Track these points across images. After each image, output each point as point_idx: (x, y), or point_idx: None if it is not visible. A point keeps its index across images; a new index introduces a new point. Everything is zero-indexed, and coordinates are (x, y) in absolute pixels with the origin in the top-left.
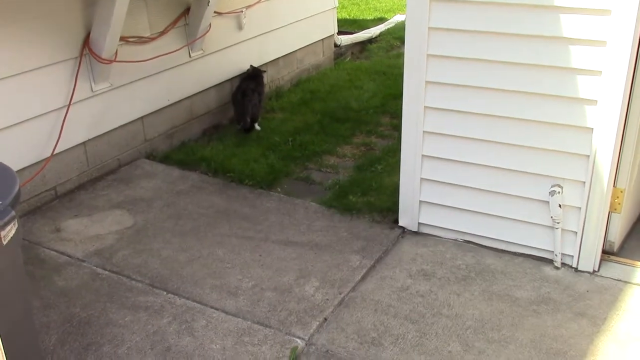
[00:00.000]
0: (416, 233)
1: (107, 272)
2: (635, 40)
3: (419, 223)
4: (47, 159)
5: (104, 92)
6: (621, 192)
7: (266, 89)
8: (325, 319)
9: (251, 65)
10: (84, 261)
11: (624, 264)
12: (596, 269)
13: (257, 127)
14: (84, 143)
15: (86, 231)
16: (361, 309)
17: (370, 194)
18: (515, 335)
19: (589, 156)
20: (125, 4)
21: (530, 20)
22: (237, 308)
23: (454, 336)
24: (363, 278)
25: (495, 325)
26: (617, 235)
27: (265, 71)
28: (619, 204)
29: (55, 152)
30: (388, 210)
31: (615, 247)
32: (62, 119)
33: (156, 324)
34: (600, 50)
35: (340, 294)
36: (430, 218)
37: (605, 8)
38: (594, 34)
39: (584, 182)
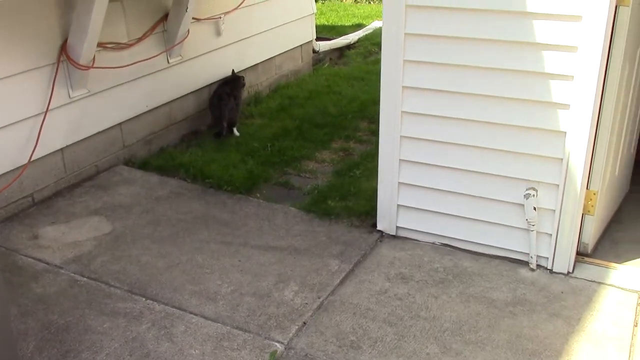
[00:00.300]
0: (394, 237)
1: (85, 278)
2: (605, 46)
3: (397, 227)
4: (24, 166)
5: (81, 99)
6: (594, 194)
7: (245, 95)
8: (305, 323)
9: (233, 70)
10: (61, 268)
11: (598, 265)
12: (571, 271)
13: (235, 132)
14: (61, 149)
15: (64, 238)
16: (340, 312)
17: (348, 198)
18: (492, 337)
19: (562, 159)
20: (102, 10)
21: (504, 26)
22: (216, 313)
23: (431, 338)
24: (342, 282)
25: (472, 327)
26: (590, 237)
27: (242, 77)
28: (592, 206)
29: (33, 158)
30: (366, 214)
31: (589, 249)
32: (40, 125)
33: (135, 330)
34: (571, 56)
35: (319, 298)
36: (408, 222)
37: (576, 14)
38: (566, 40)
39: (558, 185)
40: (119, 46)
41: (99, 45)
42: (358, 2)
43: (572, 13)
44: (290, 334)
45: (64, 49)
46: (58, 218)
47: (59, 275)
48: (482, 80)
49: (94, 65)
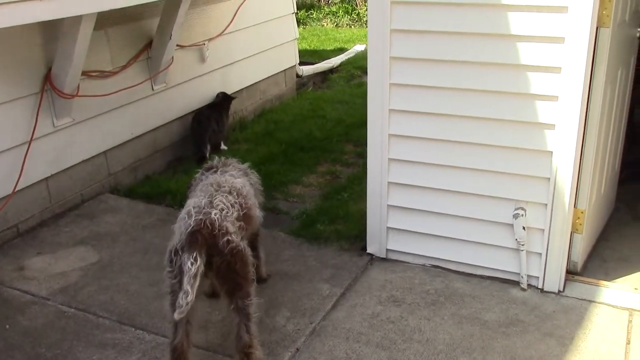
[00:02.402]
0: (385, 259)
1: (72, 309)
2: (588, 66)
3: (387, 249)
4: (8, 197)
5: (66, 127)
6: (582, 212)
7: (230, 120)
8: (298, 350)
9: (220, 93)
10: (48, 299)
11: (588, 283)
12: (561, 289)
13: (223, 146)
14: (46, 179)
15: (50, 269)
16: (333, 337)
17: (337, 222)
18: (486, 358)
19: (549, 179)
20: (87, 39)
21: (488, 48)
22: (207, 342)
23: None
24: (334, 306)
25: (466, 349)
26: (579, 255)
27: (224, 93)
28: (580, 224)
29: (17, 189)
30: (356, 237)
31: (579, 267)
32: (24, 155)
33: None
34: (555, 77)
35: (311, 323)
36: (398, 244)
37: (559, 36)
38: (549, 61)
39: (546, 204)
40: (103, 74)
41: (83, 73)
42: (339, 26)
43: (554, 35)
44: None
45: (48, 78)
46: (44, 248)
47: (45, 307)
48: (468, 102)
49: (79, 94)
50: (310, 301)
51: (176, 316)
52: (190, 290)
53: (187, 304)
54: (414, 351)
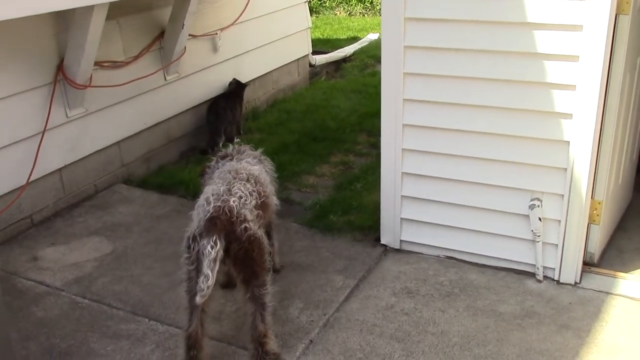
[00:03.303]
0: (398, 250)
1: (87, 300)
2: (606, 54)
3: (401, 240)
4: (22, 187)
5: (79, 118)
6: (599, 203)
7: (243, 110)
8: (311, 341)
9: (233, 80)
10: (62, 290)
11: (605, 274)
12: (578, 281)
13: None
14: (59, 169)
15: (64, 259)
16: (346, 329)
17: (350, 212)
18: (501, 351)
19: (566, 169)
20: (99, 29)
21: (504, 37)
22: (221, 333)
23: (440, 354)
24: (347, 298)
25: (481, 341)
26: (596, 247)
27: (237, 81)
28: (598, 215)
29: (31, 179)
30: (369, 228)
31: (596, 258)
32: (37, 146)
33: (139, 352)
34: (573, 65)
35: (325, 314)
36: (412, 235)
37: (577, 24)
38: (567, 49)
39: (563, 195)
40: (115, 64)
41: (96, 63)
42: (352, 15)
43: (572, 23)
44: (297, 353)
45: (60, 68)
46: (58, 239)
47: (60, 298)
48: (484, 91)
49: (91, 84)
50: (324, 292)
51: (198, 300)
52: (210, 274)
53: (208, 287)
54: (428, 343)
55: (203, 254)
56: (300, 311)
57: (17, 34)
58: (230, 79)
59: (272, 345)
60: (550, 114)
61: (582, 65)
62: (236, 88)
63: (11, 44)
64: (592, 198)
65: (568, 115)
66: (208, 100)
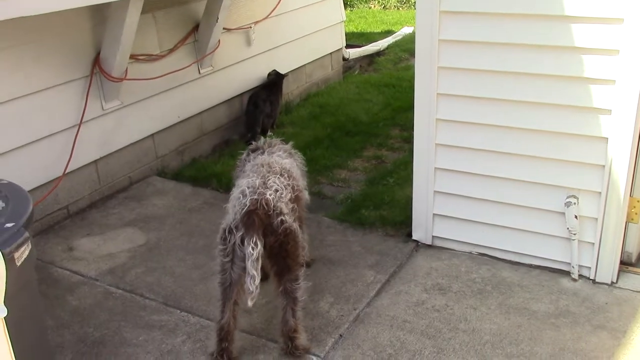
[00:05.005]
0: (430, 246)
1: (120, 290)
2: None
3: (433, 236)
4: (59, 178)
5: (114, 110)
6: (638, 201)
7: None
8: (341, 336)
9: (272, 71)
10: (97, 280)
11: None
12: (614, 281)
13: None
14: (95, 161)
15: (99, 250)
16: (377, 324)
17: (382, 207)
18: (534, 350)
19: (604, 166)
20: (134, 22)
21: (542, 31)
22: (251, 325)
23: (471, 351)
24: (378, 293)
25: (513, 340)
26: (634, 246)
27: (277, 72)
28: (636, 214)
29: (67, 171)
30: (401, 223)
31: (633, 258)
32: (74, 137)
33: (170, 343)
34: (613, 59)
35: (355, 309)
36: (444, 231)
37: (618, 17)
38: (607, 43)
39: (600, 193)
40: (151, 58)
41: (131, 57)
42: (387, 8)
43: (613, 16)
44: (327, 347)
45: (96, 61)
46: (92, 230)
47: (94, 288)
48: (519, 86)
49: (127, 77)
50: (354, 287)
51: (249, 303)
52: (256, 274)
53: (256, 288)
54: (459, 341)
55: (244, 253)
56: (331, 305)
57: (55, 27)
58: (264, 73)
59: (302, 340)
60: (589, 109)
61: (623, 59)
62: (275, 79)
63: (49, 38)
64: (630, 196)
65: (607, 111)
66: (242, 94)
